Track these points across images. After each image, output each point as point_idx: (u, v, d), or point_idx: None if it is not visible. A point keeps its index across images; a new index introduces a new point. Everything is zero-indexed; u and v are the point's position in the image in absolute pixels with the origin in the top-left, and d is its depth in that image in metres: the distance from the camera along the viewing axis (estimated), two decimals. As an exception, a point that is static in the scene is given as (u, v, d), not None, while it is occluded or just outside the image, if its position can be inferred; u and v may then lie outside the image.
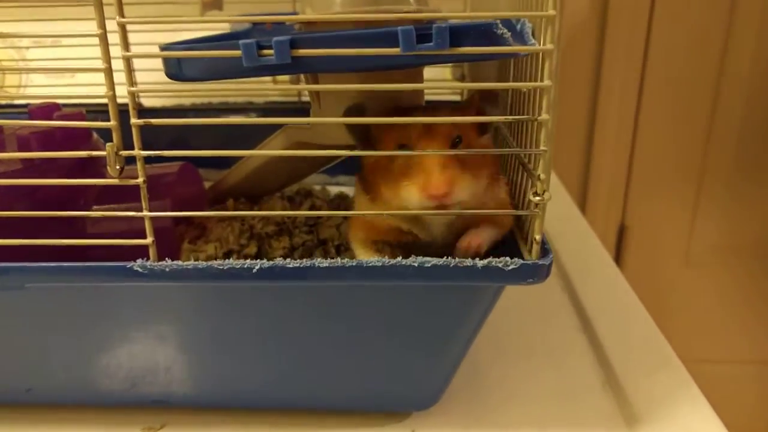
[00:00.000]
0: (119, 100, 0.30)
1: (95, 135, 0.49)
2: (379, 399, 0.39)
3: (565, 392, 0.43)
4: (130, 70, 0.29)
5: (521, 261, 0.30)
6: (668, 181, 1.12)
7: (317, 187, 0.60)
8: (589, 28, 1.06)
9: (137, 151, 0.30)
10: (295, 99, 0.69)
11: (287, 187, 0.56)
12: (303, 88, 0.48)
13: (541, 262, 0.31)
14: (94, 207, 0.43)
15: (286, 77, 0.69)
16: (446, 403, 0.40)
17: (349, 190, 0.62)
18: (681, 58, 1.05)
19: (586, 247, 0.66)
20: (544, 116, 0.29)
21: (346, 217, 0.50)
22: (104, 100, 0.29)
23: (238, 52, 0.28)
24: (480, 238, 0.34)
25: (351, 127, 0.38)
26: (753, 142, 1.08)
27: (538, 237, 0.31)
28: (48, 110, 0.45)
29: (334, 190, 0.61)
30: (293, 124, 0.45)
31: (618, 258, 1.18)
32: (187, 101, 0.68)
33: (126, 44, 0.28)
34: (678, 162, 1.11)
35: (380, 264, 0.30)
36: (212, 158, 0.59)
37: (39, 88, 0.74)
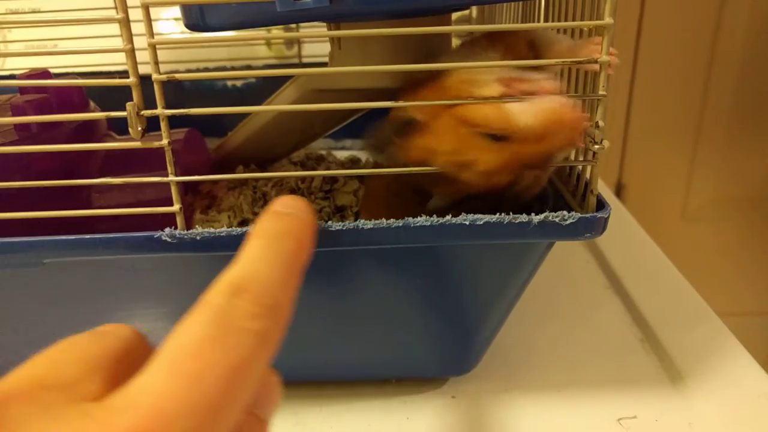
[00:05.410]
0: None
1: (93, 103, 0.46)
2: (418, 365, 0.38)
3: (603, 352, 0.41)
4: (149, 20, 0.26)
5: (578, 215, 0.28)
6: (665, 135, 1.11)
7: (324, 152, 0.58)
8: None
9: (160, 110, 0.27)
10: (296, 61, 0.66)
11: (299, 148, 0.54)
12: (321, 35, 0.44)
13: (599, 215, 0.29)
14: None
15: (279, 39, 0.66)
16: (481, 367, 0.38)
17: (359, 153, 0.59)
18: (678, 9, 1.03)
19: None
20: (604, 58, 0.27)
21: (362, 183, 0.48)
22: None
23: (270, -4, 0.25)
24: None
25: None
26: (751, 92, 1.07)
27: (595, 188, 0.29)
28: (41, 77, 0.42)
29: (342, 154, 0.58)
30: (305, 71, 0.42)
31: (617, 217, 1.17)
32: (182, 67, 0.65)
33: (144, -10, 0.26)
34: (675, 115, 1.09)
35: (429, 223, 0.28)
36: (215, 127, 0.57)
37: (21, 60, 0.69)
